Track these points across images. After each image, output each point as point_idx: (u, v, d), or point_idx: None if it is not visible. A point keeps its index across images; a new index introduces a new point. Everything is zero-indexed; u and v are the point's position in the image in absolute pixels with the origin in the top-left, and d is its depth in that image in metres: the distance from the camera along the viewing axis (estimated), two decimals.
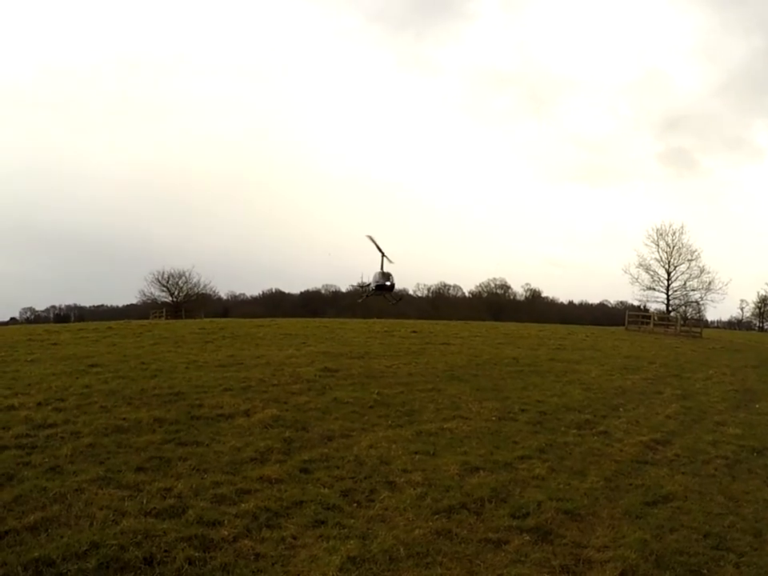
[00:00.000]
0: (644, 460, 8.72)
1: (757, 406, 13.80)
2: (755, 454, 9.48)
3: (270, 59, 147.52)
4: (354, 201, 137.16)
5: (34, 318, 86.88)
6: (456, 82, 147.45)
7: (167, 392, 10.91)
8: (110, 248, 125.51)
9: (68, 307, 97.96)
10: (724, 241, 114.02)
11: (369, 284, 27.62)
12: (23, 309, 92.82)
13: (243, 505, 6.07)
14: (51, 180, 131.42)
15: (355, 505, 6.31)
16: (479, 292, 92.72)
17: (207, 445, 8.03)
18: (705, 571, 5.40)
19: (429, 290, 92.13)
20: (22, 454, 7.27)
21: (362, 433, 9.07)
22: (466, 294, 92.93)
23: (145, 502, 5.99)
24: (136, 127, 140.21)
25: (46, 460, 7.07)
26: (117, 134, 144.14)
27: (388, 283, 26.04)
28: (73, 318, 76.52)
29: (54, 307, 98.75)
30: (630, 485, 7.58)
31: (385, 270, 25.66)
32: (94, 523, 5.46)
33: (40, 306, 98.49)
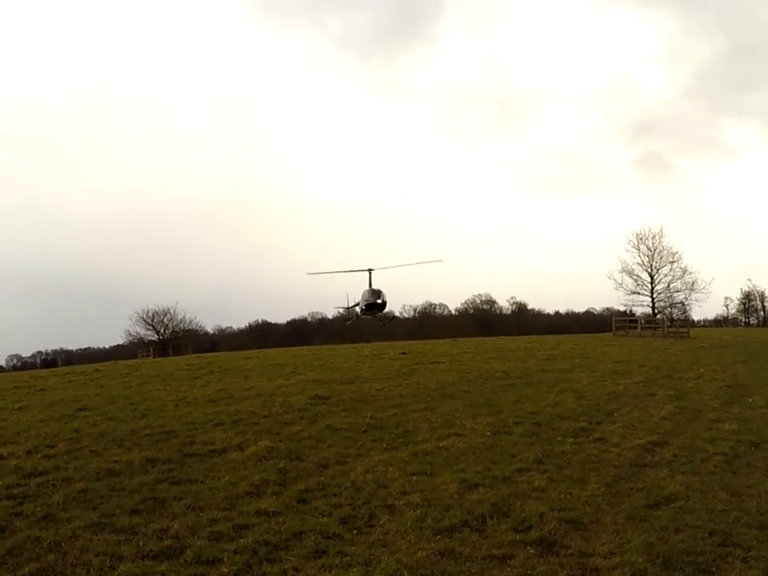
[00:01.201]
0: (643, 463, 8.69)
1: (750, 400, 13.86)
2: (753, 448, 9.47)
3: (245, 90, 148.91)
4: (334, 226, 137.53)
5: (21, 365, 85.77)
6: (427, 103, 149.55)
7: (158, 431, 10.74)
8: (94, 289, 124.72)
9: (54, 352, 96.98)
10: (704, 241, 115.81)
11: (357, 304, 27.08)
12: (9, 356, 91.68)
13: (242, 540, 5.93)
14: (28, 223, 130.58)
15: (355, 531, 6.20)
16: (465, 309, 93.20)
17: (201, 482, 7.88)
18: (713, 569, 5.33)
19: (415, 310, 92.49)
20: (14, 504, 7.08)
21: (357, 458, 8.96)
22: (453, 312, 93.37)
23: (141, 544, 5.84)
24: (113, 165, 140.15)
25: (39, 509, 6.88)
26: (94, 171, 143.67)
27: (379, 301, 25.54)
28: (60, 363, 75.61)
29: (40, 353, 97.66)
30: (631, 489, 7.53)
31: (374, 287, 25.25)
32: (91, 570, 5.32)
33: (26, 353, 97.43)
